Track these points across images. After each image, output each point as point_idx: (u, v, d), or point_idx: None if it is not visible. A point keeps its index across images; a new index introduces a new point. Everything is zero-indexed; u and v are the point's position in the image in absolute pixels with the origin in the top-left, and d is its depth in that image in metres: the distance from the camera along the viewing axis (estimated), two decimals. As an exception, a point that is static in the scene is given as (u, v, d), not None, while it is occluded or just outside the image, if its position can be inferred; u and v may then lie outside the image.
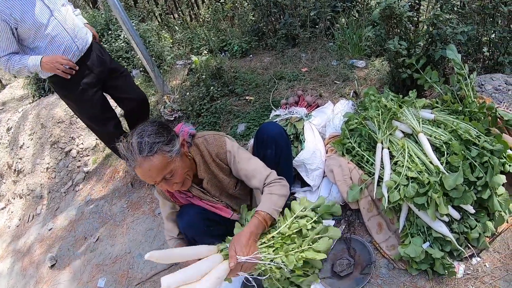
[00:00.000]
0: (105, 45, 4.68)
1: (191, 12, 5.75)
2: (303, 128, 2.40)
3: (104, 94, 2.73)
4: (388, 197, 1.81)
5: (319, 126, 2.49)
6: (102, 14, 5.24)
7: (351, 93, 2.93)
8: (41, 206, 3.91)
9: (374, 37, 2.50)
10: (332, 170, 2.12)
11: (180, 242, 1.91)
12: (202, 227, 1.79)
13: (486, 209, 1.79)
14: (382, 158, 1.96)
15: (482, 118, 1.90)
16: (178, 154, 1.53)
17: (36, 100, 5.15)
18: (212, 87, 3.40)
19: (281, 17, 4.21)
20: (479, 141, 1.77)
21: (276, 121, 2.58)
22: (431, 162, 1.80)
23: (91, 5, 7.24)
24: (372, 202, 2.01)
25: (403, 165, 1.85)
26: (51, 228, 3.51)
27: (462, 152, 1.75)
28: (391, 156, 1.97)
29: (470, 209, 1.72)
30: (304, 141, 2.32)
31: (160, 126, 1.53)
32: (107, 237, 2.98)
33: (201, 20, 5.60)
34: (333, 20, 3.88)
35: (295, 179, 2.34)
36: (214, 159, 1.72)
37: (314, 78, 3.35)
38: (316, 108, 2.67)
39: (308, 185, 2.26)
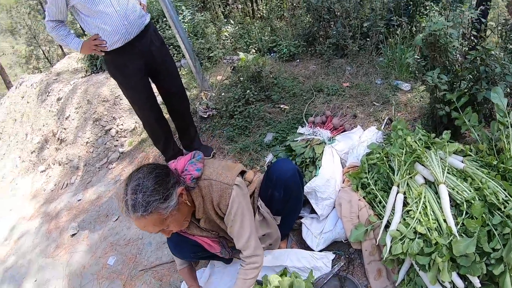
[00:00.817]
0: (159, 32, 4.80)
1: (249, 5, 5.71)
2: (322, 153, 2.28)
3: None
4: (391, 247, 1.68)
5: (342, 152, 2.35)
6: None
7: (385, 120, 2.74)
8: (75, 176, 4.13)
9: (415, 64, 2.31)
10: (340, 204, 2.01)
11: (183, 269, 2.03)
12: (188, 253, 1.92)
13: (496, 284, 1.58)
14: (395, 203, 1.81)
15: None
16: (175, 206, 1.44)
17: (87, 76, 5.34)
18: (248, 90, 3.33)
19: (334, 24, 4.05)
20: (505, 207, 1.57)
21: (298, 140, 2.49)
22: (445, 220, 1.64)
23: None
24: (376, 246, 1.88)
25: (414, 217, 1.70)
26: (80, 199, 3.71)
27: (483, 216, 1.57)
28: (405, 203, 1.82)
29: (476, 283, 1.53)
30: (319, 168, 2.21)
31: (158, 180, 1.42)
32: (126, 219, 3.02)
33: (258, 15, 5.56)
34: (385, 35, 3.66)
35: (305, 203, 2.23)
36: (215, 207, 1.63)
37: (354, 95, 3.19)
38: (342, 132, 2.53)
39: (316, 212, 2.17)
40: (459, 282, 1.57)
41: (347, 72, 3.60)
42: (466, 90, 2.16)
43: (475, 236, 1.53)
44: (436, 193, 1.77)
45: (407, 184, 1.87)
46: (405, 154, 1.92)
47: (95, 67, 5.34)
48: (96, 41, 2.41)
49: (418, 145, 1.90)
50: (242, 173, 1.84)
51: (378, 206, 1.94)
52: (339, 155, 2.34)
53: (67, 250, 3.10)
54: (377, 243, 1.82)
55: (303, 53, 4.26)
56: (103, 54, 2.50)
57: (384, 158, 2.05)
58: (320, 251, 2.06)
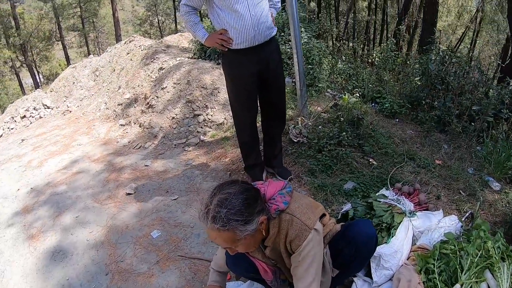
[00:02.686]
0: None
1: (364, 48, 5.72)
2: (399, 223, 2.21)
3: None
4: None
5: (417, 230, 2.26)
6: (283, 14, 5.35)
7: (467, 214, 2.58)
8: (150, 143, 4.26)
9: None
10: (399, 279, 1.91)
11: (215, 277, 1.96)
12: (242, 269, 1.86)
13: None
14: None
15: None
16: (252, 233, 1.43)
17: (194, 58, 5.57)
18: (344, 133, 3.28)
19: (443, 97, 3.94)
20: None
21: (381, 201, 2.43)
22: None
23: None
24: None
25: None
26: (148, 166, 3.78)
27: None
28: None
29: None
30: (392, 237, 2.14)
31: (246, 203, 1.41)
32: (184, 203, 3.08)
33: (370, 60, 5.53)
34: (491, 124, 3.49)
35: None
36: (286, 243, 1.57)
37: (443, 176, 3.05)
38: (424, 210, 2.43)
39: (371, 276, 2.09)
40: None
41: (442, 150, 3.47)
42: None
43: None
44: None
45: (471, 287, 1.75)
46: (479, 257, 1.81)
47: (204, 53, 5.54)
48: (222, 35, 2.45)
49: (496, 253, 1.79)
50: (322, 215, 1.79)
51: None
52: (413, 231, 2.25)
53: (117, 204, 3.14)
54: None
55: (404, 114, 4.18)
56: (226, 50, 2.53)
57: (458, 252, 1.93)
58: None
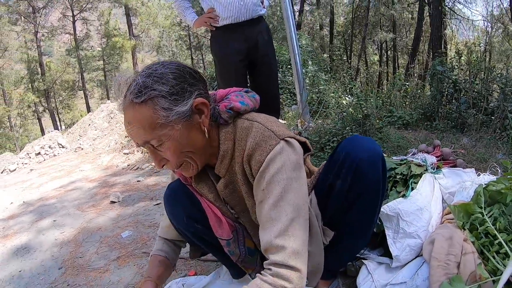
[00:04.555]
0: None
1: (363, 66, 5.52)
2: (420, 175, 1.50)
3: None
4: None
5: (446, 191, 1.54)
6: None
7: None
8: (148, 164, 4.04)
9: None
10: (433, 242, 1.19)
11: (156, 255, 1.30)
12: (181, 212, 1.18)
13: None
14: None
15: None
16: (183, 119, 0.90)
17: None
18: (348, 127, 2.80)
19: (457, 100, 3.46)
20: None
21: (393, 158, 1.74)
22: None
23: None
24: None
25: None
26: (140, 181, 3.47)
27: None
28: None
29: None
30: (412, 189, 1.44)
31: (178, 71, 0.92)
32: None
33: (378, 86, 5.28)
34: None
35: (376, 244, 1.45)
36: (244, 161, 0.98)
37: (469, 161, 2.39)
38: (452, 166, 1.75)
39: (389, 255, 1.34)
40: None
41: (464, 141, 2.86)
42: None
43: None
44: None
45: None
46: None
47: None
48: (210, 14, 2.35)
49: None
50: (307, 153, 1.09)
51: (495, 257, 1.07)
52: (441, 192, 1.53)
53: (98, 211, 2.83)
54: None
55: (417, 124, 3.59)
56: (213, 29, 2.41)
57: None
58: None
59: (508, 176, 1.30)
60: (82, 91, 24.07)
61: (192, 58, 21.94)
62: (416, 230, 1.32)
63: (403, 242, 1.32)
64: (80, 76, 23.86)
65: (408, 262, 1.31)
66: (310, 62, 4.93)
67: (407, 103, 4.08)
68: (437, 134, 3.14)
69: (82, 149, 5.80)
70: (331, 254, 1.16)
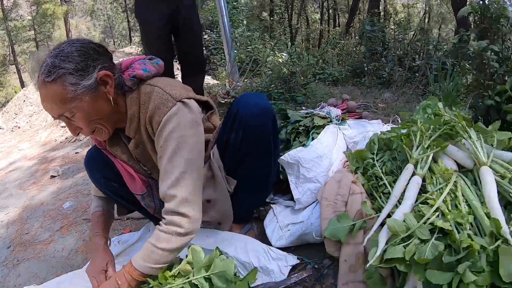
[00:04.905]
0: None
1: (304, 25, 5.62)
2: (323, 127, 1.60)
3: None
4: (385, 250, 0.90)
5: (351, 140, 1.65)
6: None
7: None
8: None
9: (457, 43, 1.82)
10: (326, 184, 1.30)
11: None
12: (99, 174, 1.34)
13: None
14: (406, 187, 1.06)
15: None
16: (90, 92, 1.00)
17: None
18: (273, 85, 2.85)
19: (385, 58, 3.64)
20: None
21: (300, 112, 1.82)
22: (487, 215, 0.87)
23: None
24: (363, 256, 1.09)
25: (432, 205, 0.94)
26: (78, 152, 3.46)
27: None
28: (423, 192, 1.05)
29: None
30: (312, 139, 1.53)
31: (82, 49, 1.01)
32: None
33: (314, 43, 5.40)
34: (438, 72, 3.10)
35: (280, 183, 1.56)
36: (147, 123, 1.09)
37: (387, 114, 2.54)
38: (358, 118, 1.86)
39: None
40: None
41: (386, 96, 3.00)
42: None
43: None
44: (476, 184, 1.01)
45: (430, 169, 1.10)
46: (431, 130, 1.17)
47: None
48: None
49: (455, 119, 1.16)
50: (210, 112, 1.29)
51: (381, 197, 1.16)
52: (346, 142, 1.64)
53: (39, 187, 2.83)
54: (366, 245, 1.03)
55: (347, 81, 3.74)
56: None
57: (403, 138, 1.28)
58: (281, 249, 1.33)
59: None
60: (14, 66, 21.56)
61: (128, 21, 20.38)
62: (316, 175, 1.42)
63: (304, 186, 1.42)
64: (10, 50, 21.31)
65: (311, 204, 1.43)
66: (244, 22, 4.91)
67: (340, 61, 4.24)
68: (363, 89, 3.31)
69: (19, 127, 5.55)
70: (238, 202, 1.33)
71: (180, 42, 2.51)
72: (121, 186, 1.30)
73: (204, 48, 4.25)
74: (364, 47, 3.85)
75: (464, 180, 1.03)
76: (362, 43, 4.01)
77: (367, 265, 0.90)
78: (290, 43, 5.44)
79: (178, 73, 2.90)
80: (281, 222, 1.43)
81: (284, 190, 1.61)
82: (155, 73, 1.16)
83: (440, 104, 1.25)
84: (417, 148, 1.14)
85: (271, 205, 1.53)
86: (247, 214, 1.47)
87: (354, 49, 4.47)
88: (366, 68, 3.73)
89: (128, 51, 6.98)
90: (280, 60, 4.33)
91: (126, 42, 20.31)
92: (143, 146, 1.17)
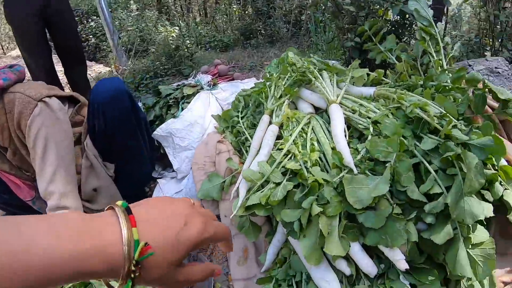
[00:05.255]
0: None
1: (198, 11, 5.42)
2: (194, 95, 1.61)
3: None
4: (247, 199, 0.88)
5: (225, 102, 1.66)
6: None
7: None
8: None
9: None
10: (196, 149, 1.27)
11: None
12: None
13: (442, 267, 0.77)
14: (263, 138, 1.05)
15: (458, 96, 0.94)
16: None
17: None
18: (158, 62, 2.69)
19: (271, 17, 3.65)
20: (441, 125, 0.80)
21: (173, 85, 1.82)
22: (333, 149, 0.87)
23: None
24: None
25: (282, 149, 0.96)
26: None
27: (402, 139, 0.78)
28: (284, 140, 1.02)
29: (401, 263, 0.72)
30: (182, 109, 1.52)
31: None
32: None
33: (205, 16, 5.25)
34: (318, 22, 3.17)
35: (164, 157, 1.53)
36: (16, 129, 1.12)
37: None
38: (230, 80, 1.88)
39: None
40: (365, 262, 0.75)
41: (271, 53, 3.03)
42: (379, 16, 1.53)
43: (388, 168, 0.73)
44: (329, 123, 0.99)
45: (288, 117, 1.08)
46: (287, 80, 1.16)
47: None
48: None
49: (306, 65, 1.15)
50: (77, 102, 1.32)
51: (247, 151, 1.13)
52: (220, 105, 1.64)
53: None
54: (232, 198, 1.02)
55: (237, 45, 3.71)
56: None
57: (263, 91, 1.25)
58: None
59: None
60: None
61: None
62: (190, 143, 1.40)
63: (181, 155, 1.41)
64: None
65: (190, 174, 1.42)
66: (131, 2, 4.57)
67: (231, 27, 4.12)
68: (250, 49, 3.29)
69: None
70: (124, 182, 1.34)
71: (54, 35, 2.43)
72: (11, 196, 1.30)
73: (89, 36, 4.25)
74: (251, 8, 3.73)
75: (318, 120, 1.04)
76: (249, 5, 3.89)
77: (231, 215, 0.91)
78: (183, 16, 5.20)
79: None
80: (166, 193, 1.45)
81: (170, 163, 1.60)
82: (16, 80, 1.17)
83: (291, 54, 1.28)
84: (271, 98, 1.14)
85: (158, 180, 1.53)
86: (138, 193, 1.49)
87: (242, 12, 4.35)
88: (255, 30, 3.73)
89: (16, 54, 6.33)
90: (174, 35, 4.04)
91: (14, 45, 18.33)
92: (19, 152, 1.20)
